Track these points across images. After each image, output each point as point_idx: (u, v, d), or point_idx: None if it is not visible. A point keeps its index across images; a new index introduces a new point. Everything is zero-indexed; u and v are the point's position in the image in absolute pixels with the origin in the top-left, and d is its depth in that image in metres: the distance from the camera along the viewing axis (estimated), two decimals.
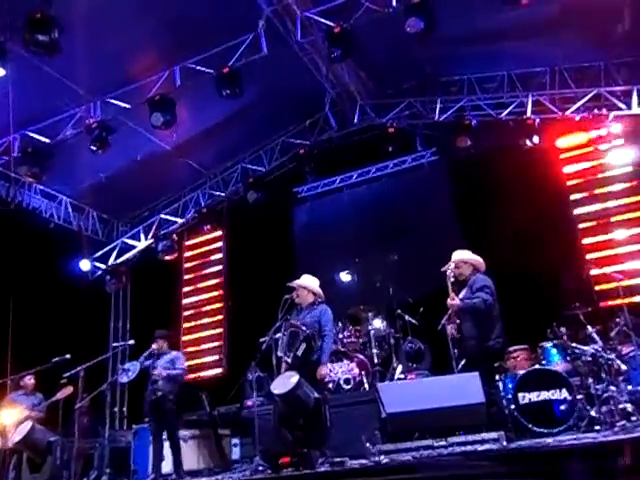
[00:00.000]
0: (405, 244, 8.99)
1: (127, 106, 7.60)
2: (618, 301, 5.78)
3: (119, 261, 10.59)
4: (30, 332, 8.18)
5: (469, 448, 3.99)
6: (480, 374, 4.63)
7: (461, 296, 5.12)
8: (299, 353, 4.93)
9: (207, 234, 10.91)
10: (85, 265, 10.22)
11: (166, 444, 6.10)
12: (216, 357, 10.41)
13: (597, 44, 7.34)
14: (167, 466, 6.18)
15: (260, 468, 4.60)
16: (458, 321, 5.13)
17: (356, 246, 9.36)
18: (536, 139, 8.06)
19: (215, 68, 7.10)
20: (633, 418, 4.78)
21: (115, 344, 9.32)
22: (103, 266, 10.54)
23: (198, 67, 7.28)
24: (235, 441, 7.23)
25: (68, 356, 6.17)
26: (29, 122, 7.76)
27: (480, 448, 3.94)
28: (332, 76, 8.28)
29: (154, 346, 6.29)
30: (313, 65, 7.90)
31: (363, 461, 4.19)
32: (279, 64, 7.39)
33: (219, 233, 10.98)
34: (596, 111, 7.82)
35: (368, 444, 4.25)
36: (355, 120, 9.05)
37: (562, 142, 8.87)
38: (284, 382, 4.60)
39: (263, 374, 6.75)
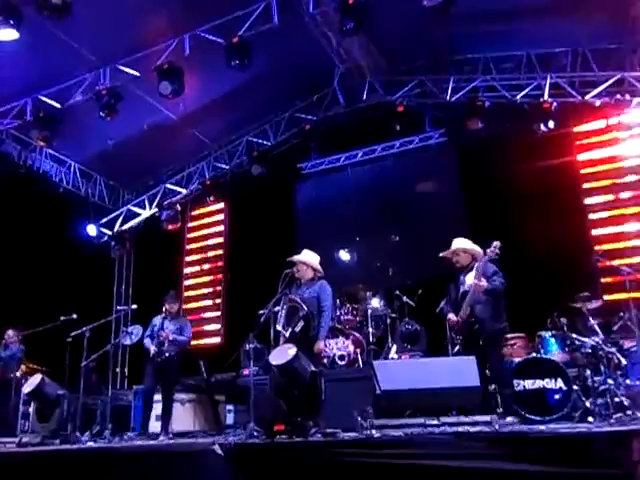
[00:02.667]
0: (407, 226, 8.92)
1: (136, 74, 7.53)
2: (624, 295, 5.70)
3: (124, 228, 10.67)
4: (38, 292, 8.37)
5: (461, 429, 4.02)
6: (489, 356, 4.80)
7: (470, 281, 5.10)
8: (297, 329, 4.98)
9: (210, 206, 10.92)
10: (92, 230, 10.35)
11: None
12: (214, 327, 10.56)
13: (627, 25, 6.94)
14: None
15: (255, 433, 4.69)
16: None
17: (358, 225, 9.32)
18: (551, 124, 7.76)
19: (225, 37, 6.98)
20: (629, 412, 4.80)
21: (119, 307, 9.49)
22: (109, 232, 10.64)
23: (207, 36, 7.16)
24: (230, 407, 7.45)
25: (75, 316, 6.45)
26: (40, 86, 7.74)
27: (472, 429, 3.98)
28: (342, 50, 8.10)
29: (167, 307, 6.49)
30: (324, 38, 7.75)
31: (355, 434, 4.25)
32: (289, 36, 7.25)
33: (221, 205, 11.01)
34: (618, 96, 7.49)
35: (360, 419, 4.31)
36: (364, 97, 8.86)
37: (578, 128, 8.56)
38: (282, 354, 4.66)
39: (260, 345, 6.84)
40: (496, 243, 5.05)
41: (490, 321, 5.07)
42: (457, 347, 6.28)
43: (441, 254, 5.36)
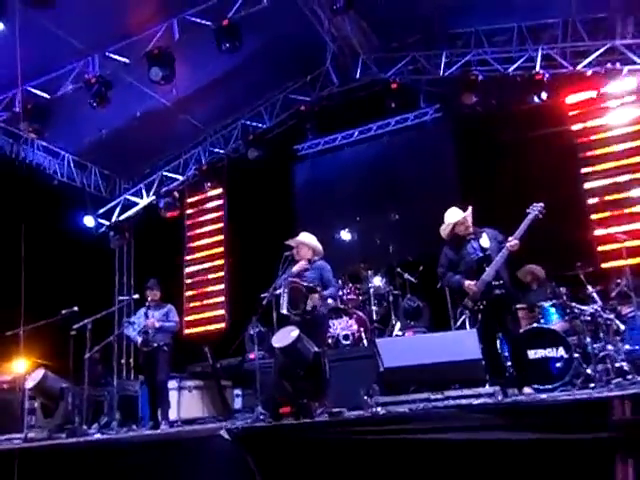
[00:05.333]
0: (406, 203, 8.92)
1: (126, 61, 7.44)
2: (621, 262, 5.73)
3: (122, 218, 10.65)
4: (38, 286, 8.32)
5: (465, 402, 4.08)
6: (514, 319, 4.93)
7: (486, 244, 4.98)
8: (309, 308, 5.02)
9: (208, 191, 10.88)
10: (89, 221, 10.28)
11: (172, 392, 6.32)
12: (218, 312, 10.61)
13: None
14: (172, 414, 6.44)
15: (262, 417, 4.74)
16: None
17: (357, 204, 9.31)
18: (544, 95, 7.76)
19: (214, 20, 6.89)
20: (629, 376, 4.86)
21: (121, 298, 9.48)
22: (107, 222, 10.62)
23: (197, 19, 7.06)
24: (237, 392, 7.51)
25: (76, 309, 6.31)
26: (29, 77, 7.61)
27: (476, 402, 4.03)
28: (334, 28, 8.00)
29: (149, 296, 6.37)
30: (314, 17, 7.63)
31: (360, 412, 4.31)
32: (279, 16, 7.16)
33: (220, 190, 10.97)
34: (609, 65, 7.50)
35: (365, 397, 4.36)
36: (357, 75, 8.79)
37: (572, 98, 8.57)
38: (284, 336, 4.70)
39: (264, 329, 6.89)
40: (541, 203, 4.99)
41: (511, 286, 5.00)
42: (463, 318, 6.35)
43: (454, 220, 5.17)
